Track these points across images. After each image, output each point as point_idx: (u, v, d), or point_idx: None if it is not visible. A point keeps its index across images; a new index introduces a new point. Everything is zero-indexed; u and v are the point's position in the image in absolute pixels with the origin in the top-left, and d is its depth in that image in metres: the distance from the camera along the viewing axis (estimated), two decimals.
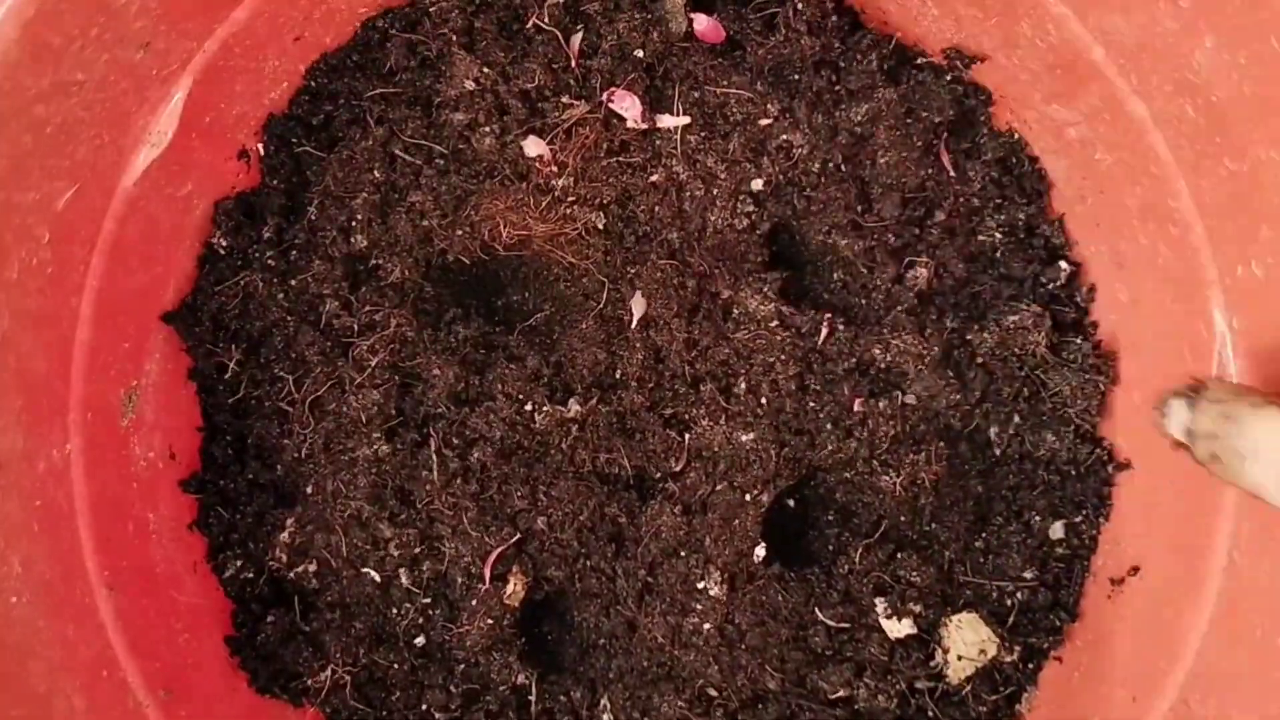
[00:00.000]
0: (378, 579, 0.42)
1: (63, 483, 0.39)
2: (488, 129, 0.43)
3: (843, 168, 0.43)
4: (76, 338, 0.40)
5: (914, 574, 0.41)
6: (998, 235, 0.43)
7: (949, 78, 0.44)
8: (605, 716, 0.42)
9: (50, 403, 0.39)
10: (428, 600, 0.42)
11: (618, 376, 0.43)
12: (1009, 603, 0.42)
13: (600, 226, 0.43)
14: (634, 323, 0.43)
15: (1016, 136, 0.44)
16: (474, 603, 0.41)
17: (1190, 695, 0.39)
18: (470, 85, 0.43)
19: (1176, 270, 0.40)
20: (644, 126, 0.43)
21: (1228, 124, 0.37)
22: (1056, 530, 0.43)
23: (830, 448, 0.42)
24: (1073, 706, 0.42)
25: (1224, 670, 0.38)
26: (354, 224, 0.43)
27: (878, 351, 0.42)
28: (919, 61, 0.44)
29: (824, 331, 0.42)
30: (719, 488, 0.42)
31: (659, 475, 0.42)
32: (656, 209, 0.43)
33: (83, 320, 0.40)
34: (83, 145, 0.39)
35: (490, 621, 0.41)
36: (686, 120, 0.43)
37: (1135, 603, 0.41)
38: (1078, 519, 0.43)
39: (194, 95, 0.41)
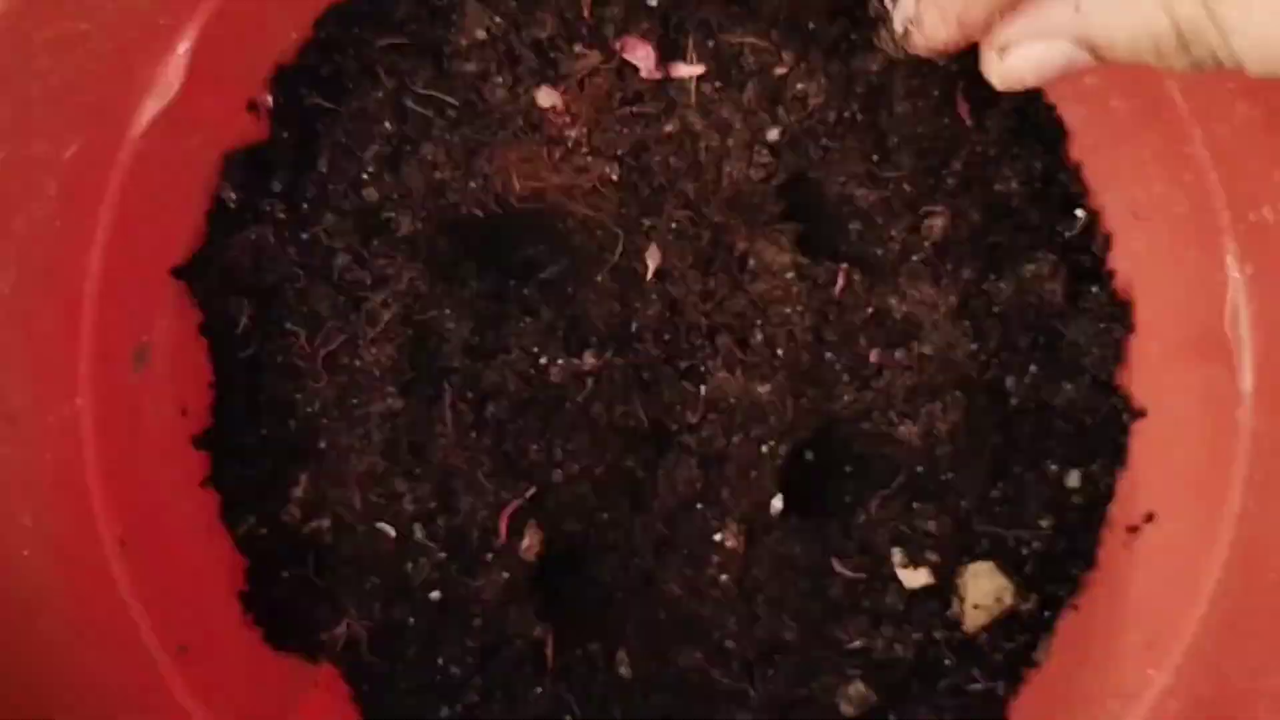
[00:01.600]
0: (392, 534, 0.41)
1: (73, 438, 0.38)
2: (499, 79, 0.42)
3: (859, 117, 0.43)
4: (85, 292, 0.39)
5: (930, 524, 0.41)
6: (1014, 184, 0.43)
7: None
8: (623, 669, 0.42)
9: (60, 358, 0.39)
10: (443, 554, 0.42)
11: (633, 329, 0.43)
12: (1025, 552, 0.42)
13: (614, 178, 0.42)
14: (649, 275, 0.42)
15: None
16: (490, 556, 0.41)
17: (1204, 640, 0.39)
18: (481, 35, 0.42)
19: (1190, 217, 0.40)
20: (658, 76, 0.42)
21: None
22: (1073, 479, 0.43)
23: (847, 398, 0.42)
24: (1089, 653, 0.42)
25: (1238, 615, 0.38)
26: (365, 176, 0.42)
27: (894, 302, 0.42)
28: None
29: (840, 282, 0.42)
30: (736, 440, 0.42)
31: (675, 428, 0.42)
32: (671, 160, 0.42)
33: (91, 275, 0.39)
34: (88, 97, 0.39)
35: (506, 575, 0.41)
36: (701, 69, 0.42)
37: (1151, 550, 0.42)
38: (1094, 467, 0.43)
39: (200, 46, 0.40)
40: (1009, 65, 0.25)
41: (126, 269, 0.40)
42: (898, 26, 0.28)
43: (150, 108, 0.40)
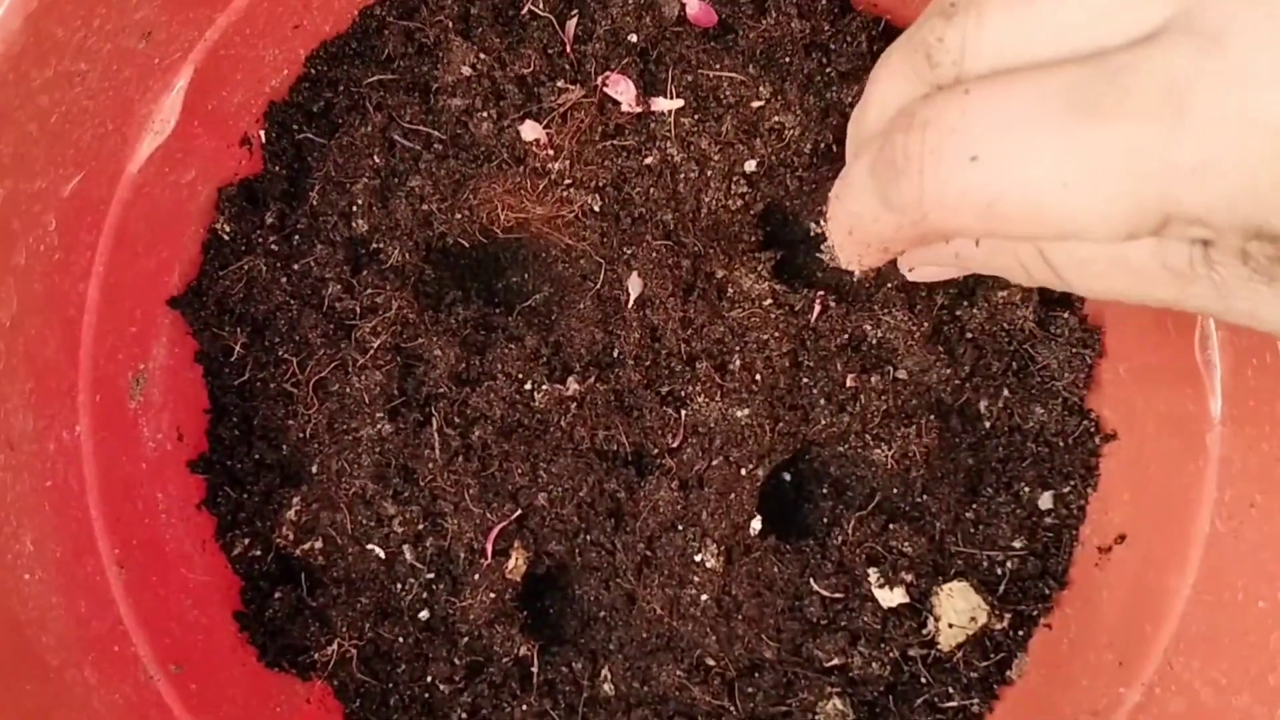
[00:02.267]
0: (382, 555, 0.43)
1: (73, 463, 0.40)
2: (485, 114, 0.43)
3: (834, 148, 0.44)
4: (84, 322, 0.41)
5: (906, 544, 0.42)
6: None
7: None
8: (606, 686, 0.43)
9: (60, 385, 0.40)
10: (431, 575, 0.43)
11: (615, 355, 0.44)
12: (999, 571, 0.43)
13: (596, 209, 0.44)
14: (631, 302, 0.44)
15: None
16: (476, 577, 0.42)
17: (1174, 658, 0.40)
18: (467, 71, 0.43)
19: None
20: (638, 110, 0.44)
21: None
22: (1045, 500, 0.44)
23: (824, 422, 0.43)
24: (1062, 671, 0.43)
25: (1206, 633, 0.39)
26: (355, 209, 0.44)
27: (869, 328, 0.43)
28: None
29: (816, 309, 0.43)
30: (715, 463, 0.43)
31: (656, 451, 0.43)
32: (651, 191, 0.44)
33: (90, 305, 0.41)
34: (87, 133, 0.40)
35: (493, 595, 0.42)
36: (680, 104, 0.44)
37: (1122, 570, 0.42)
38: (1066, 489, 0.44)
39: (195, 83, 0.42)
40: (915, 275, 0.32)
41: (124, 300, 0.42)
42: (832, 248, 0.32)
43: (147, 144, 0.42)
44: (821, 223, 0.33)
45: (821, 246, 0.34)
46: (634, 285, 0.44)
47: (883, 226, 0.27)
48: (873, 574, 0.42)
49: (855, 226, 0.28)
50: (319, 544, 0.43)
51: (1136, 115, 0.21)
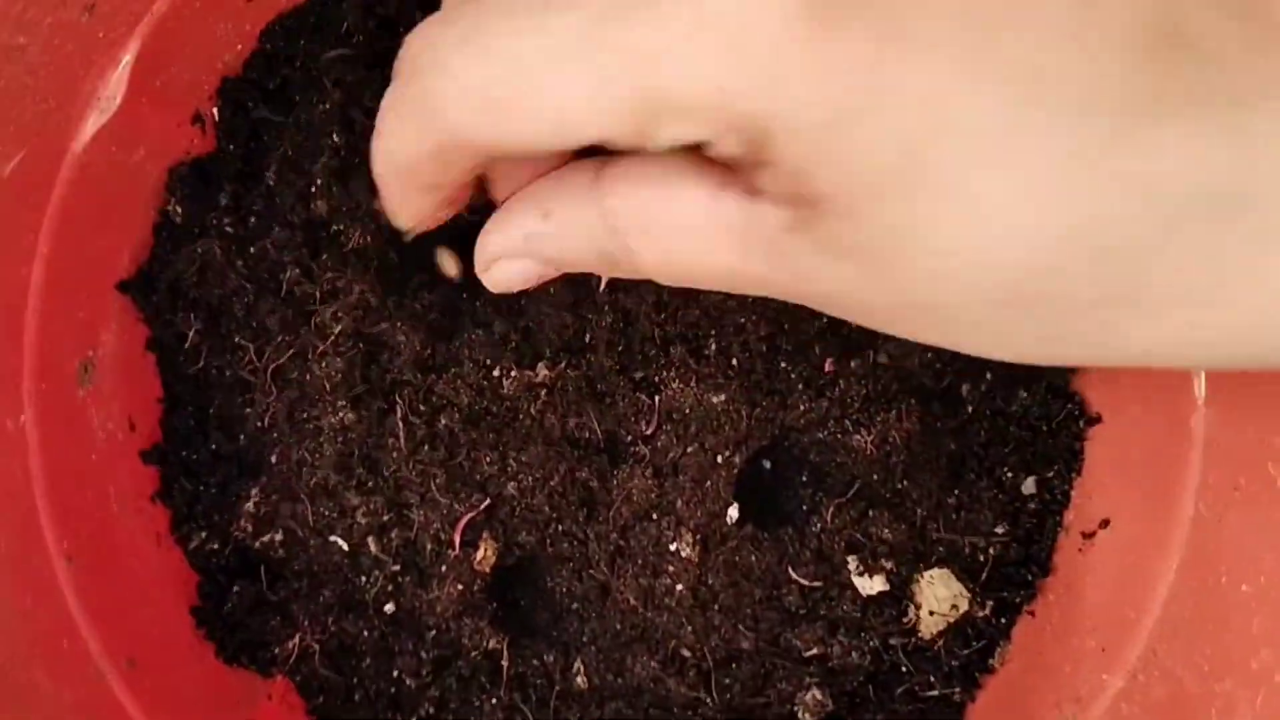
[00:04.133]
0: (345, 547, 0.41)
1: (18, 453, 0.38)
2: None
3: None
4: (29, 306, 0.39)
5: (886, 531, 0.41)
6: None
7: None
8: (579, 679, 0.42)
9: (4, 373, 0.38)
10: (397, 567, 0.41)
11: (587, 340, 0.42)
12: (981, 558, 0.42)
13: None
14: (602, 285, 0.42)
15: None
16: (444, 569, 0.41)
17: (1158, 644, 0.39)
18: None
19: None
20: None
21: None
22: (1028, 486, 0.43)
23: (802, 408, 0.42)
24: (1045, 658, 0.42)
25: (1190, 619, 0.38)
26: (313, 189, 0.42)
27: None
28: None
29: None
30: (690, 450, 0.42)
31: (630, 438, 0.42)
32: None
33: (34, 289, 0.39)
34: (28, 110, 0.38)
35: (460, 587, 0.41)
36: None
37: (1105, 556, 0.42)
38: (1049, 474, 0.43)
39: (143, 58, 0.40)
40: (496, 279, 0.29)
41: (71, 283, 0.40)
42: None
43: (93, 121, 0.40)
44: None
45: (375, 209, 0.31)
46: None
47: (404, 143, 0.25)
48: (852, 562, 0.41)
49: (399, 160, 0.26)
50: (279, 536, 0.42)
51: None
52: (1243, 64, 0.20)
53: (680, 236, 0.24)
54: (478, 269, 0.29)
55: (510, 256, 0.28)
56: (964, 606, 0.41)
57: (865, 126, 0.20)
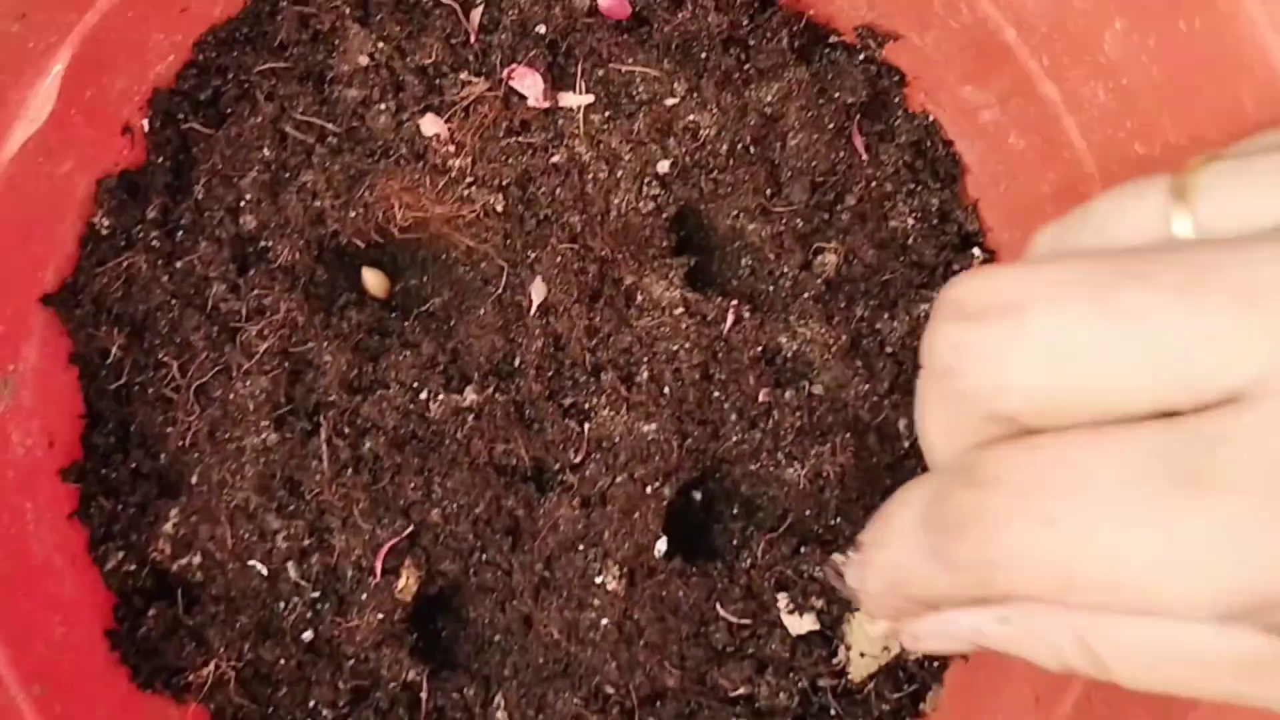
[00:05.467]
0: (264, 572, 0.40)
1: None
2: (383, 106, 0.41)
3: (752, 150, 0.42)
4: None
5: (817, 569, 0.40)
6: (910, 221, 0.42)
7: (861, 57, 0.43)
8: (499, 714, 0.41)
9: None
10: (316, 594, 0.40)
11: (516, 364, 0.41)
12: None
13: (499, 209, 0.41)
14: (533, 309, 0.41)
15: (931, 119, 0.43)
16: (364, 597, 0.40)
17: (1094, 693, 0.38)
18: (364, 60, 0.41)
19: None
20: (545, 105, 0.41)
21: (1137, 108, 0.36)
22: None
23: (734, 439, 0.41)
24: (977, 705, 0.41)
25: None
26: (243, 204, 0.41)
27: (784, 340, 0.41)
28: (831, 40, 0.43)
29: (730, 319, 0.41)
30: (619, 480, 0.41)
31: (558, 466, 0.41)
32: (558, 191, 0.41)
33: None
34: None
35: (381, 616, 0.40)
36: (590, 99, 0.41)
37: None
38: None
39: (73, 69, 0.39)
40: (919, 645, 0.27)
41: None
42: (848, 592, 0.29)
43: (20, 132, 0.39)
44: (845, 556, 0.29)
45: (833, 583, 0.31)
46: (537, 291, 0.41)
47: (935, 585, 0.24)
48: (782, 599, 0.40)
49: (900, 580, 0.25)
50: (197, 559, 0.41)
51: (1237, 490, 0.19)
52: None
53: (1170, 665, 0.22)
54: (906, 638, 0.27)
55: (948, 640, 0.26)
56: (895, 649, 0.40)
57: None
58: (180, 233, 0.42)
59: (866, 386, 0.41)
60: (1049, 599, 0.22)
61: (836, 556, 0.34)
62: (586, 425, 0.41)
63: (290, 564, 0.40)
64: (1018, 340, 0.21)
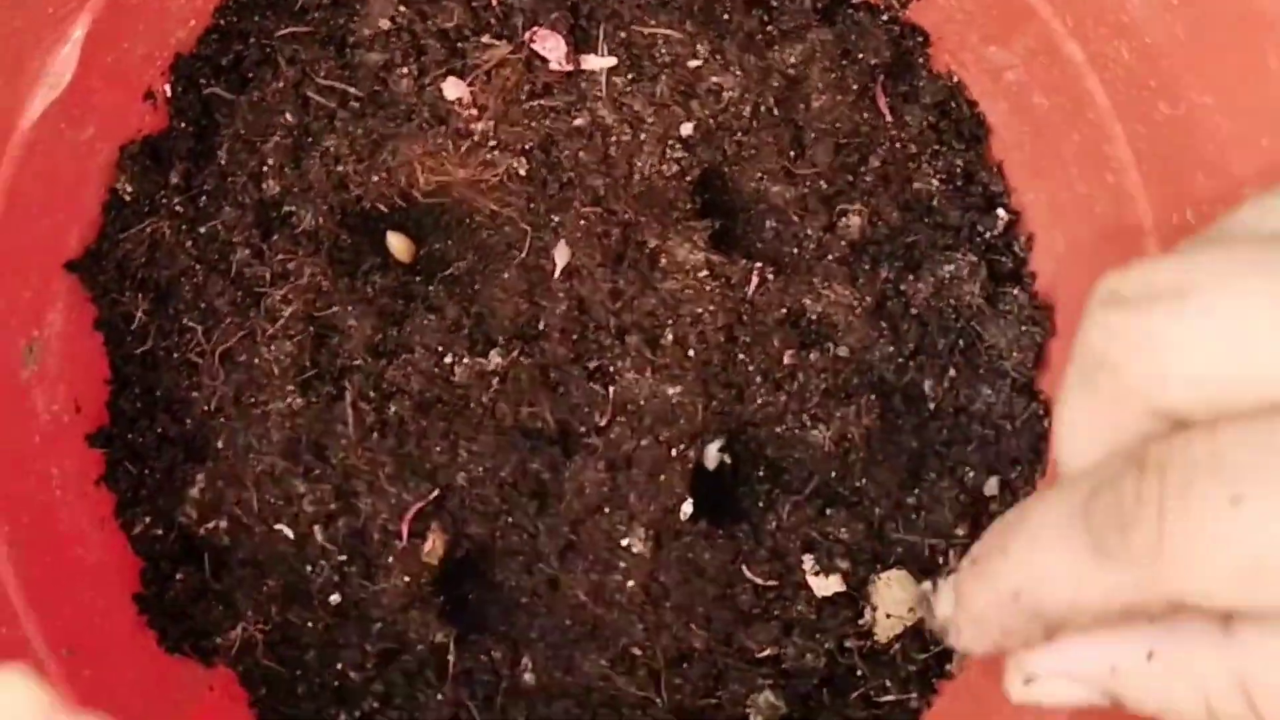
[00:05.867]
0: (291, 535, 0.40)
1: None
2: (405, 70, 0.41)
3: (775, 111, 0.42)
4: None
5: (843, 530, 0.40)
6: (934, 182, 0.42)
7: (885, 17, 0.42)
8: (526, 676, 0.41)
9: None
10: (343, 557, 0.41)
11: (540, 328, 0.41)
12: (941, 560, 0.41)
13: (522, 172, 0.41)
14: (557, 272, 0.41)
15: (955, 80, 0.43)
16: (391, 560, 0.40)
17: None
18: (386, 24, 0.41)
19: (1112, 218, 0.39)
20: (568, 68, 0.41)
21: (1161, 67, 0.36)
22: (990, 486, 0.42)
23: (759, 402, 0.41)
24: (1002, 665, 0.41)
25: None
26: (265, 169, 0.41)
27: (809, 302, 0.41)
28: (854, 1, 0.43)
29: (754, 281, 0.41)
30: (644, 442, 0.41)
31: (583, 429, 0.41)
32: (581, 155, 0.41)
33: None
34: None
35: (408, 579, 0.40)
36: (613, 62, 0.41)
37: None
38: (1012, 475, 0.42)
39: (93, 35, 0.39)
40: (1029, 692, 0.24)
41: (17, 263, 0.39)
42: (938, 624, 0.27)
43: (42, 98, 0.39)
44: (937, 584, 0.27)
45: (928, 623, 0.28)
46: (561, 254, 0.41)
47: (1081, 589, 0.21)
48: (808, 561, 0.40)
49: (1030, 588, 0.22)
50: (224, 523, 0.41)
51: None
52: None
53: None
54: (1008, 682, 0.24)
55: (1062, 678, 0.23)
56: (920, 612, 0.40)
57: None
58: (203, 198, 0.42)
59: (891, 348, 0.41)
60: (1228, 597, 0.19)
61: (925, 585, 0.30)
62: (611, 388, 0.41)
63: (317, 528, 0.41)
64: (1185, 323, 0.19)
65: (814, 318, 0.41)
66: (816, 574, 0.40)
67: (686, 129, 0.41)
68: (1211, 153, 0.35)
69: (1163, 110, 0.37)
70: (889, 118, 0.42)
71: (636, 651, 0.41)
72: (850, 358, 0.41)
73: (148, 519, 0.41)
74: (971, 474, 0.42)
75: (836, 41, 0.41)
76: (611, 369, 0.41)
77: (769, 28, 0.42)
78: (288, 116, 0.41)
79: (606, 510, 0.41)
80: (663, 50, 0.41)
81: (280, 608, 0.41)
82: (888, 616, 0.40)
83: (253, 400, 0.41)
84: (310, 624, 0.41)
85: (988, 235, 0.42)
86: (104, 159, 0.41)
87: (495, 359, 0.41)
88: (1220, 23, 0.33)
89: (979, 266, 0.41)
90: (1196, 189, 0.37)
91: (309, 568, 0.41)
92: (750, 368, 0.41)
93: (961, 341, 0.42)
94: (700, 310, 0.41)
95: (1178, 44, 0.35)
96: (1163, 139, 0.37)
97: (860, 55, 0.42)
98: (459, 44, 0.41)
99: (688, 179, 0.42)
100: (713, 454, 0.41)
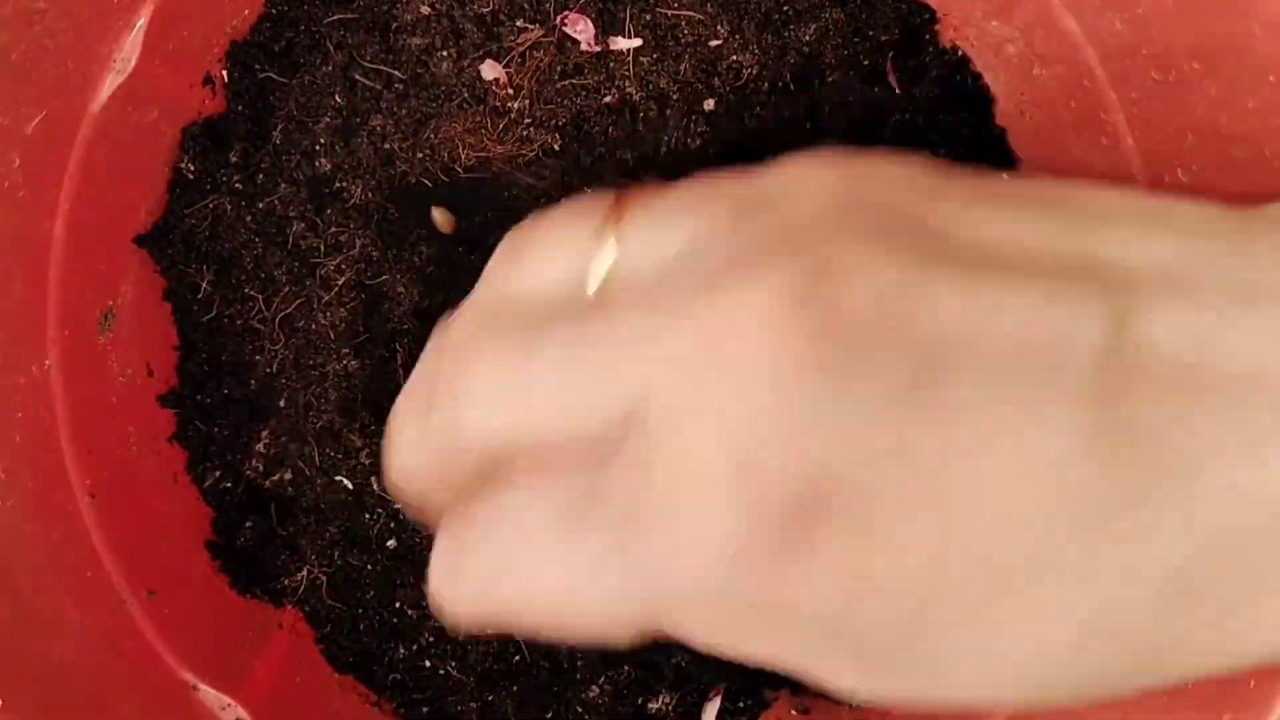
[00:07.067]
0: (350, 486, 0.44)
1: (43, 396, 0.41)
2: (444, 53, 0.44)
3: (792, 87, 0.44)
4: (51, 259, 0.41)
5: None
6: (942, 151, 0.45)
7: None
8: None
9: (29, 321, 0.41)
10: (398, 507, 0.44)
11: None
12: None
13: (556, 148, 0.44)
14: None
15: (960, 54, 0.46)
16: None
17: None
18: (426, 10, 0.44)
19: (1109, 179, 0.42)
20: (597, 49, 0.44)
21: (1152, 36, 0.38)
22: None
23: None
24: None
25: None
26: (318, 148, 0.44)
27: None
28: None
29: None
30: None
31: None
32: (611, 130, 0.44)
33: (56, 242, 0.42)
34: (48, 72, 0.40)
35: None
36: (638, 43, 0.44)
37: None
38: None
39: (155, 22, 0.42)
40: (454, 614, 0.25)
41: (91, 237, 0.42)
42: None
43: (109, 83, 0.42)
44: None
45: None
46: None
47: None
48: None
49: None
50: (288, 475, 0.44)
51: (607, 526, 0.21)
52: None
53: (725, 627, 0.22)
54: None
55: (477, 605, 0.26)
56: None
57: None
58: (261, 176, 0.45)
59: None
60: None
61: None
62: None
63: (373, 479, 0.44)
64: (468, 379, 0.23)
65: None
66: None
67: (709, 104, 0.44)
68: (1200, 115, 0.37)
69: (1154, 76, 0.40)
70: (898, 90, 0.45)
71: None
72: None
73: (217, 473, 0.45)
74: None
75: (849, 20, 0.44)
76: None
77: (785, 8, 0.44)
78: (337, 98, 0.44)
79: None
80: (685, 31, 0.44)
81: (342, 552, 0.44)
82: None
83: (311, 363, 0.44)
84: (369, 566, 0.44)
85: None
86: (168, 140, 0.44)
87: None
88: None
89: None
90: (1186, 149, 0.39)
91: (367, 515, 0.44)
92: None
93: None
94: None
95: (1167, 14, 0.37)
96: (1154, 104, 0.40)
97: (871, 33, 0.44)
98: (495, 28, 0.44)
99: (711, 150, 0.44)
100: None
